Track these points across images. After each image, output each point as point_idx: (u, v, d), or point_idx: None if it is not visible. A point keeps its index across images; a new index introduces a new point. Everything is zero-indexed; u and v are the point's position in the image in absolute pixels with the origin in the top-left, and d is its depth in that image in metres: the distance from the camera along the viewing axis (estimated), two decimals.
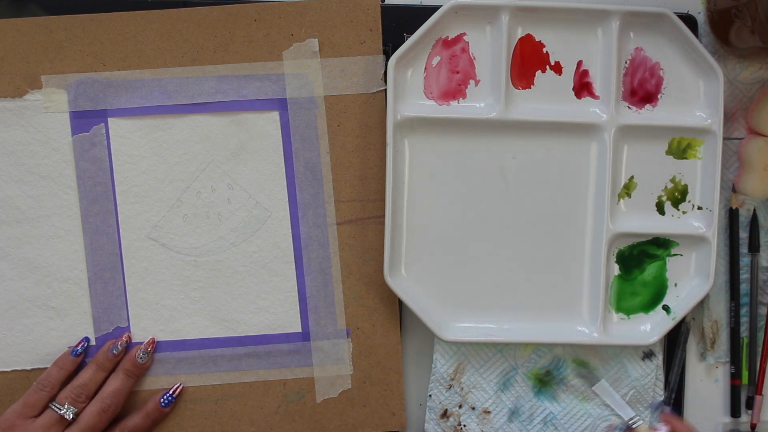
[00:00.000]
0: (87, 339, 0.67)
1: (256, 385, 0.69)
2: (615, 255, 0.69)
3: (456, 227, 0.68)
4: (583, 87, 0.68)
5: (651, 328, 0.68)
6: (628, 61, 0.68)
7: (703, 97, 0.68)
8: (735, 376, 0.71)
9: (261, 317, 0.68)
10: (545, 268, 0.68)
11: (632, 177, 0.69)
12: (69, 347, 0.67)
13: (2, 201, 0.67)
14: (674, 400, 0.70)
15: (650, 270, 0.69)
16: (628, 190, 0.69)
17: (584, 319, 0.69)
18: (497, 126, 0.67)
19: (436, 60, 0.67)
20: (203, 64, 0.67)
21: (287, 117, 0.68)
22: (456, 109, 0.67)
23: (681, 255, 0.69)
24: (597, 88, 0.68)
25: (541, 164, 0.68)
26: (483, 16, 0.66)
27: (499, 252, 0.68)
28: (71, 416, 0.63)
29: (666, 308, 0.69)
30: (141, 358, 0.67)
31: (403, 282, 0.67)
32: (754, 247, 0.70)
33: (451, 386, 0.70)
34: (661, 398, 0.68)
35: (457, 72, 0.67)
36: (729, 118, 0.70)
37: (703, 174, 0.68)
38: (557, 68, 0.68)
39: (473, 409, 0.70)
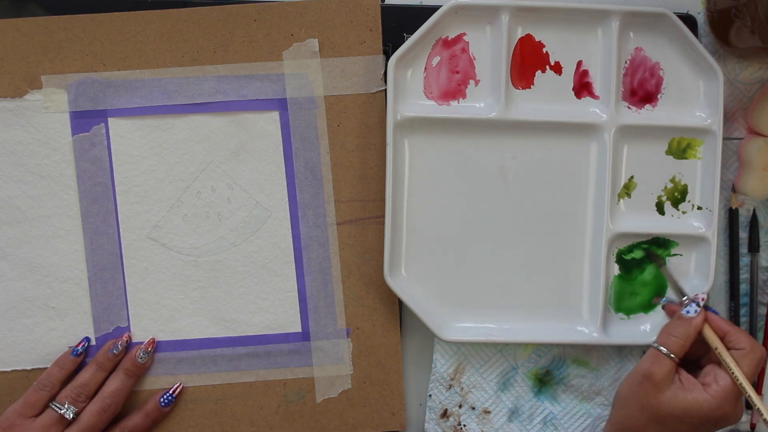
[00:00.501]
0: (87, 339, 0.67)
1: (256, 385, 0.69)
2: (615, 255, 0.69)
3: (456, 227, 0.68)
4: (583, 87, 0.68)
5: (651, 328, 0.68)
6: (628, 61, 0.68)
7: (703, 97, 0.68)
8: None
9: (261, 317, 0.68)
10: (545, 268, 0.69)
11: (632, 177, 0.69)
12: (69, 347, 0.67)
13: (2, 201, 0.67)
14: None
15: (650, 270, 0.69)
16: (628, 190, 0.69)
17: (584, 319, 0.69)
18: (497, 126, 0.67)
19: (436, 60, 0.67)
20: (203, 64, 0.67)
21: (287, 117, 0.68)
22: (456, 109, 0.67)
23: (681, 255, 0.69)
24: (597, 88, 0.68)
25: (541, 164, 0.68)
26: (483, 16, 0.66)
27: (499, 252, 0.68)
28: (71, 416, 0.63)
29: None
30: (141, 358, 0.67)
31: (403, 282, 0.67)
32: (753, 247, 0.70)
33: (451, 386, 0.70)
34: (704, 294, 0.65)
35: (457, 72, 0.67)
36: (729, 118, 0.70)
37: (703, 174, 0.68)
38: (557, 68, 0.68)
39: (473, 409, 0.70)
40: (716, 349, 0.60)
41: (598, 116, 0.67)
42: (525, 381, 0.70)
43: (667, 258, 0.69)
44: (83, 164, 0.67)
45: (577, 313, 0.69)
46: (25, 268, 0.67)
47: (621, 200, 0.69)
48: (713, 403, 0.58)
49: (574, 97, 0.68)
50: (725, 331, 0.61)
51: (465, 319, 0.68)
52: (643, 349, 0.69)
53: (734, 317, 0.70)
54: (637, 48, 0.68)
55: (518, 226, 0.68)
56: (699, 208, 0.69)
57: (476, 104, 0.67)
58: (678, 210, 0.69)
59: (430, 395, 0.70)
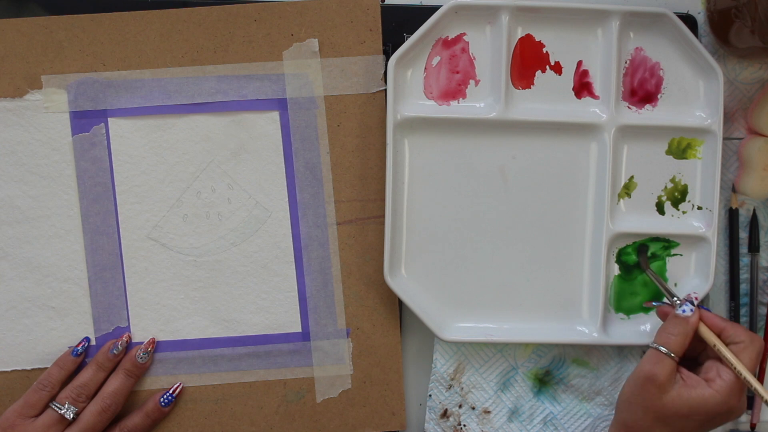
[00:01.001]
0: (87, 339, 0.67)
1: (256, 385, 0.69)
2: (615, 255, 0.69)
3: (456, 227, 0.68)
4: (583, 87, 0.68)
5: (651, 328, 0.68)
6: (627, 61, 0.68)
7: (703, 97, 0.68)
8: None
9: (261, 317, 0.68)
10: (545, 268, 0.69)
11: (632, 177, 0.69)
12: (69, 347, 0.67)
13: (2, 201, 0.67)
14: None
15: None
16: (628, 190, 0.69)
17: (584, 319, 0.69)
18: (497, 126, 0.67)
19: (436, 60, 0.67)
20: (203, 64, 0.67)
21: (287, 117, 0.68)
22: (456, 109, 0.67)
23: (681, 255, 0.69)
24: (597, 88, 0.68)
25: (541, 164, 0.68)
26: (483, 16, 0.66)
27: (499, 252, 0.68)
28: (71, 416, 0.64)
29: None
30: (141, 358, 0.67)
31: (403, 282, 0.67)
32: (753, 247, 0.71)
33: (451, 386, 0.70)
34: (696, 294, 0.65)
35: (457, 72, 0.67)
36: (729, 118, 0.70)
37: (703, 174, 0.68)
38: (557, 68, 0.68)
39: (473, 409, 0.70)
40: (714, 346, 0.60)
41: (598, 116, 0.67)
42: (525, 381, 0.70)
43: (667, 258, 0.69)
44: (83, 164, 0.67)
45: (577, 313, 0.69)
46: (25, 268, 0.67)
47: (621, 200, 0.69)
48: (719, 398, 0.58)
49: (574, 97, 0.68)
50: (721, 327, 0.61)
51: (465, 319, 0.68)
52: (643, 349, 0.69)
53: (734, 317, 0.70)
54: (637, 48, 0.68)
55: (518, 226, 0.68)
56: (699, 208, 0.69)
57: (476, 104, 0.67)
58: (678, 210, 0.69)
59: (430, 395, 0.70)
